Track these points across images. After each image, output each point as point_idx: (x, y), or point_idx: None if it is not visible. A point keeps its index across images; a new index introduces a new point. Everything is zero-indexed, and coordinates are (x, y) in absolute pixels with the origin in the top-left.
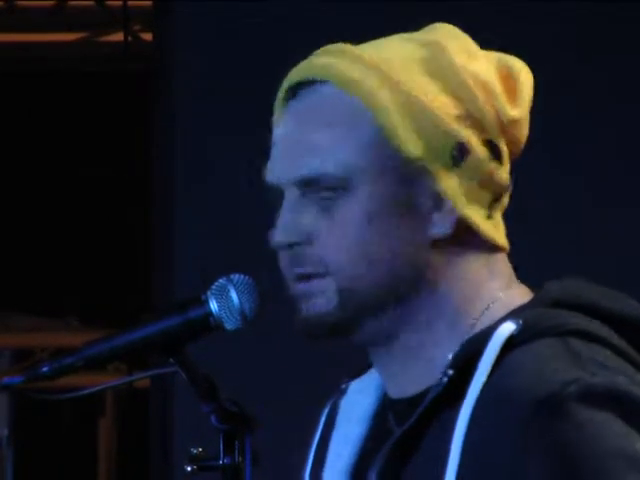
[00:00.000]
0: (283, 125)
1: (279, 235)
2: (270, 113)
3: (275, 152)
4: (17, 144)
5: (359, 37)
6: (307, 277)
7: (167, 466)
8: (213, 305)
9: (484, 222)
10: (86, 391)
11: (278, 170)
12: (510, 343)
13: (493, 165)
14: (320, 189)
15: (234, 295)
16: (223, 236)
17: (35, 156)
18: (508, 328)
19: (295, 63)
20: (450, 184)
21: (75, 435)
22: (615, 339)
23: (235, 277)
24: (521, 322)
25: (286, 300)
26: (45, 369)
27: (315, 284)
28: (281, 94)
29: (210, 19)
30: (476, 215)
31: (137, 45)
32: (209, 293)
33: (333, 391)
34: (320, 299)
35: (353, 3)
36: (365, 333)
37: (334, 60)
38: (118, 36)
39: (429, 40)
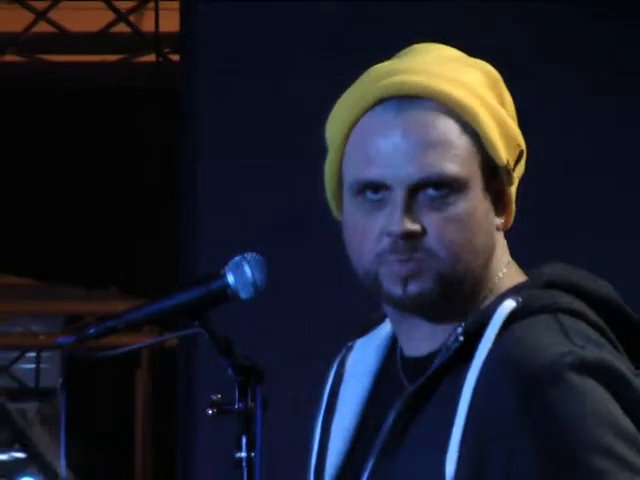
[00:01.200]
0: (391, 132)
1: (405, 224)
2: (285, 119)
3: (385, 155)
4: (67, 143)
5: (378, 38)
6: (411, 261)
7: (191, 410)
8: (230, 278)
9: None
10: (125, 348)
11: (391, 171)
12: (511, 318)
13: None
14: (430, 189)
15: (247, 270)
16: (242, 215)
17: (82, 151)
18: (509, 305)
19: (313, 80)
20: (513, 186)
21: (117, 385)
22: (594, 316)
23: (248, 255)
24: (520, 300)
25: (298, 270)
26: (92, 331)
27: (418, 268)
28: (369, 99)
29: (231, 42)
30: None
31: (167, 65)
32: (227, 268)
33: (340, 348)
34: (421, 282)
35: (372, 4)
36: (444, 309)
37: (432, 80)
38: (151, 57)
39: (485, 69)
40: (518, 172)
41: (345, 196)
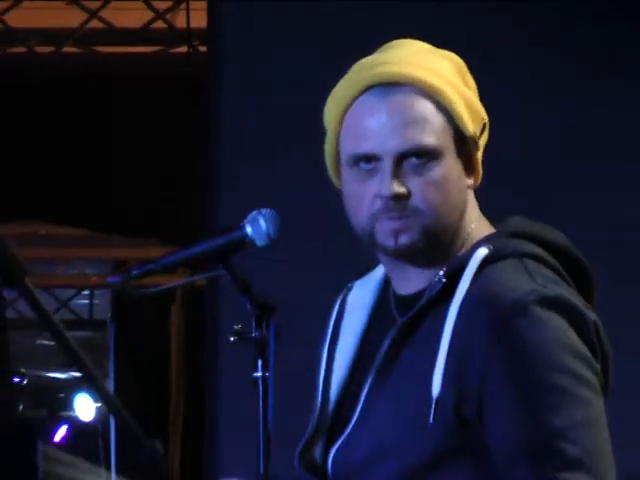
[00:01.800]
0: (378, 113)
1: (393, 188)
2: (299, 96)
3: (375, 132)
4: (116, 119)
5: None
6: (401, 218)
7: (217, 338)
8: (248, 229)
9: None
10: (162, 287)
11: (385, 144)
12: (484, 262)
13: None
14: (412, 158)
15: (263, 223)
16: (259, 172)
17: (128, 125)
18: (483, 252)
19: (332, 76)
20: (478, 153)
21: (155, 317)
22: (552, 260)
23: (264, 210)
24: (492, 248)
25: (309, 220)
26: (135, 272)
27: (405, 224)
28: (355, 91)
29: (250, 35)
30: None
31: (196, 55)
32: (245, 221)
33: (342, 287)
34: (407, 236)
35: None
36: (425, 255)
37: (409, 68)
38: (183, 49)
39: (450, 57)
40: (482, 140)
41: (343, 169)
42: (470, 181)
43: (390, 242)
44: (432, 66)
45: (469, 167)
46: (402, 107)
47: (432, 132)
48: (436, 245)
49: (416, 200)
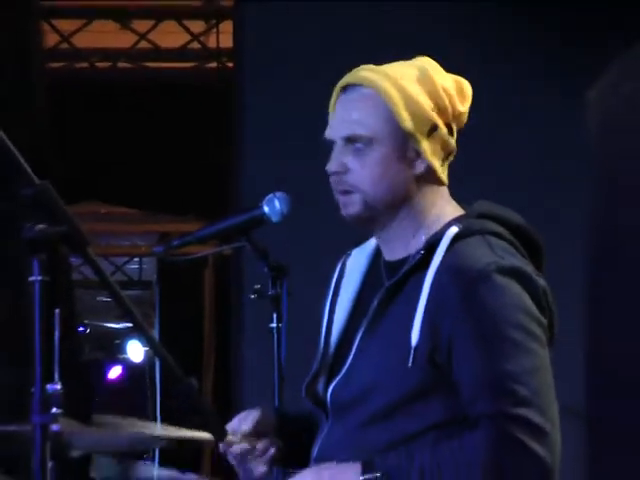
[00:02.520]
0: (337, 108)
1: (331, 166)
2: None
3: (332, 122)
4: (163, 120)
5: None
6: (345, 192)
7: (241, 295)
8: (265, 209)
9: (440, 168)
10: (197, 255)
11: (334, 131)
12: (455, 238)
13: (449, 137)
14: (355, 143)
15: (277, 203)
16: (278, 161)
17: (172, 124)
18: (454, 230)
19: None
20: (425, 146)
21: (191, 280)
22: (510, 237)
23: (278, 193)
24: (461, 226)
25: (317, 197)
26: (175, 243)
27: (349, 198)
28: (336, 91)
29: (268, 54)
30: (436, 164)
31: (224, 70)
32: (263, 202)
33: (343, 254)
34: (352, 207)
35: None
36: (377, 224)
37: (369, 74)
38: (213, 65)
39: (418, 65)
40: (437, 142)
41: None
42: (416, 172)
43: (343, 213)
44: (389, 72)
45: (417, 160)
46: (351, 103)
47: (368, 124)
48: (382, 216)
49: (354, 177)
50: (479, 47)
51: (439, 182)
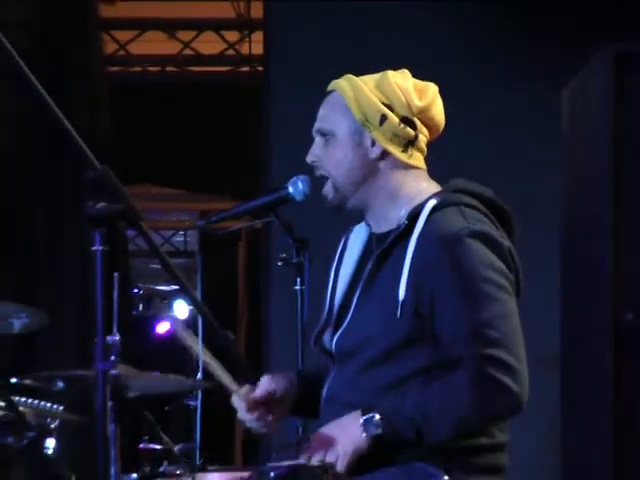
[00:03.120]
0: (321, 107)
1: (308, 157)
2: None
3: (317, 119)
4: (203, 116)
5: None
6: (322, 179)
7: (269, 263)
8: (290, 189)
9: (399, 153)
10: (232, 229)
11: (314, 127)
12: (433, 209)
13: (402, 127)
14: (324, 136)
15: (300, 185)
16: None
17: (211, 120)
18: (432, 202)
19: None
20: (377, 134)
21: (227, 250)
22: (482, 208)
23: (301, 176)
24: (439, 199)
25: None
26: (214, 219)
27: (326, 186)
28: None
29: (295, 60)
30: (394, 149)
31: (256, 75)
32: (288, 183)
33: (346, 231)
34: (328, 195)
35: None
36: (352, 205)
37: (340, 80)
38: (246, 69)
39: (387, 72)
40: (389, 131)
41: None
42: (372, 155)
43: (326, 205)
44: (356, 78)
45: (365, 144)
46: (326, 103)
47: (331, 120)
48: (352, 195)
49: (323, 164)
50: (485, 56)
51: (405, 165)
